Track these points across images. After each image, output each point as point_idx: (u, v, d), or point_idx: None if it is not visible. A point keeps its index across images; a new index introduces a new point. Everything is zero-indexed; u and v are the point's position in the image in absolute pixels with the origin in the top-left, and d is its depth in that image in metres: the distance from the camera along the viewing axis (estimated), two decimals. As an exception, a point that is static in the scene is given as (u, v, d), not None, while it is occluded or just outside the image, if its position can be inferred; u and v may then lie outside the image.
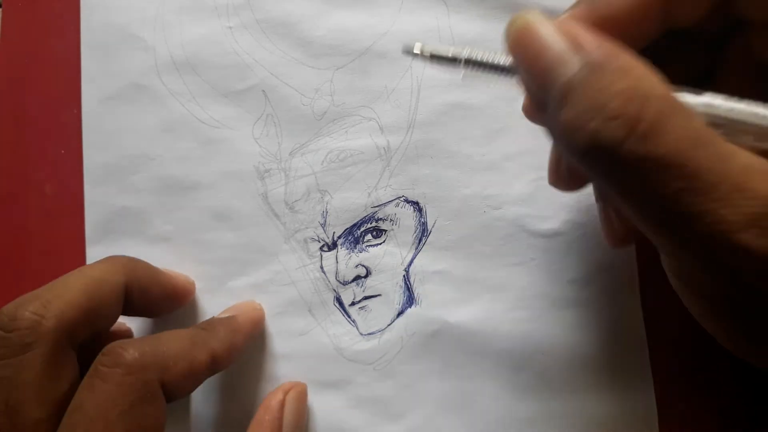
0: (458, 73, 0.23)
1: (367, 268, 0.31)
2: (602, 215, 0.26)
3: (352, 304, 0.31)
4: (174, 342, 0.24)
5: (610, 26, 0.21)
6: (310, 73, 0.32)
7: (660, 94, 0.18)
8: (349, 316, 0.31)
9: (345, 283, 0.31)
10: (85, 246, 0.32)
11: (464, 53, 0.22)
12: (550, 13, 0.33)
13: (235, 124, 0.32)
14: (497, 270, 0.30)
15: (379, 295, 0.31)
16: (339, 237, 0.31)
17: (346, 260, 0.31)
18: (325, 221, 0.31)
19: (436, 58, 0.23)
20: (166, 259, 0.31)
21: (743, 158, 0.17)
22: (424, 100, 0.32)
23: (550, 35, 0.19)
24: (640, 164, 0.17)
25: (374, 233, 0.31)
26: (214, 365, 0.25)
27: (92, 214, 0.32)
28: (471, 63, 0.22)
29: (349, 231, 0.31)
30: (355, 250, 0.31)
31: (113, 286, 0.26)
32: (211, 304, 0.31)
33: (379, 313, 0.31)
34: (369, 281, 0.31)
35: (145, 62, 0.33)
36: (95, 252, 0.32)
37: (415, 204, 0.31)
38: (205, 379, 0.26)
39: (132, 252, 0.31)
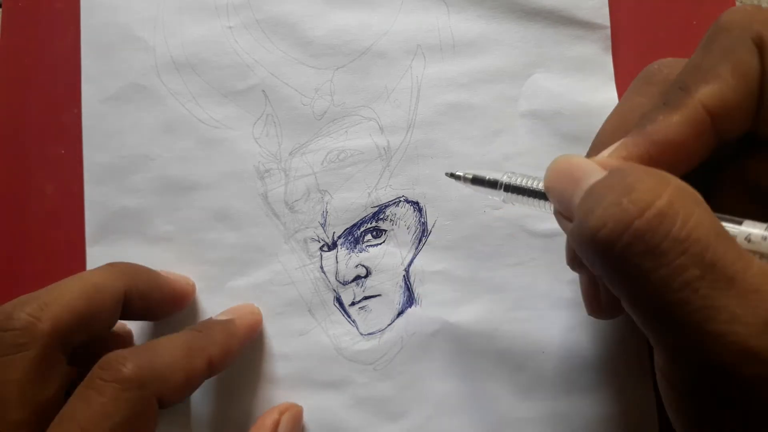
0: (499, 196, 0.24)
1: (367, 268, 0.31)
2: (584, 285, 0.25)
3: (352, 304, 0.31)
4: (171, 352, 0.24)
5: (664, 152, 0.21)
6: (310, 73, 0.32)
7: (680, 185, 0.17)
8: (349, 316, 0.31)
9: (345, 283, 0.31)
10: (85, 246, 0.32)
11: (503, 178, 0.24)
12: (550, 14, 0.33)
13: (235, 124, 0.32)
14: (497, 270, 0.30)
15: (379, 295, 0.31)
16: (339, 237, 0.31)
17: (346, 260, 0.31)
18: (325, 221, 0.31)
19: (478, 181, 0.25)
20: (166, 259, 0.31)
21: (762, 264, 0.17)
22: (424, 100, 0.32)
23: (584, 162, 0.20)
24: (656, 243, 0.17)
25: (374, 233, 0.31)
26: (210, 371, 0.25)
27: (92, 214, 0.32)
28: (510, 188, 0.24)
29: (349, 231, 0.31)
30: (355, 250, 0.31)
31: (112, 292, 0.26)
32: (211, 304, 0.31)
33: (379, 313, 0.31)
34: (369, 281, 0.31)
35: (145, 62, 0.33)
36: (95, 252, 0.32)
37: (415, 204, 0.31)
38: (200, 384, 0.25)
39: (132, 252, 0.32)
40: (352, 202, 0.31)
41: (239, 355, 0.28)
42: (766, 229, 0.18)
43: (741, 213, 0.20)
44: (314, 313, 0.31)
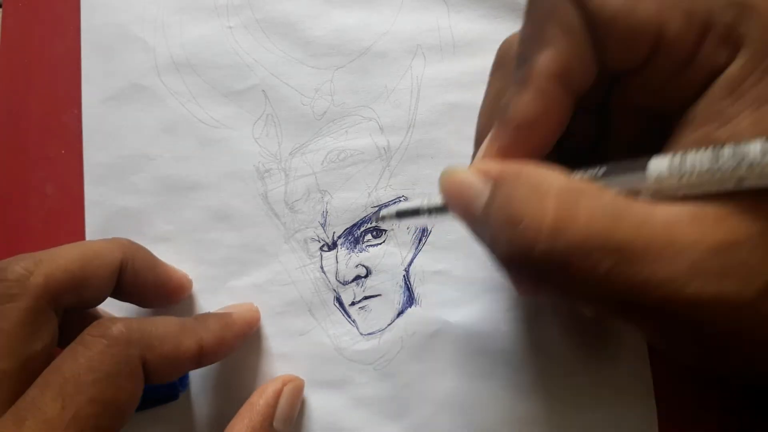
0: (427, 222, 0.25)
1: (367, 268, 0.31)
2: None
3: (352, 304, 0.31)
4: (163, 324, 0.25)
5: (530, 132, 0.21)
6: (310, 73, 0.32)
7: (559, 187, 0.18)
8: (349, 316, 0.31)
9: (345, 283, 0.31)
10: (85, 246, 0.32)
11: (424, 203, 0.24)
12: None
13: (235, 124, 0.32)
14: (497, 270, 0.30)
15: (379, 295, 0.31)
16: (339, 237, 0.31)
17: (346, 260, 0.31)
18: (325, 221, 0.31)
19: (402, 215, 0.25)
20: (166, 259, 0.31)
21: (662, 214, 0.18)
22: (424, 100, 0.32)
23: (467, 177, 0.21)
24: (562, 258, 0.18)
25: (374, 233, 0.31)
26: (200, 356, 0.25)
27: (92, 214, 0.32)
28: (432, 210, 0.24)
29: (349, 231, 0.31)
30: (355, 250, 0.31)
31: (108, 260, 0.26)
32: (211, 304, 0.31)
33: (379, 313, 0.31)
34: (369, 281, 0.31)
35: (145, 62, 0.33)
36: (95, 252, 0.32)
37: (415, 204, 0.31)
38: (189, 369, 0.26)
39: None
40: (352, 202, 0.31)
41: (234, 349, 0.28)
42: (669, 167, 0.18)
43: (642, 141, 0.20)
44: (314, 313, 0.31)
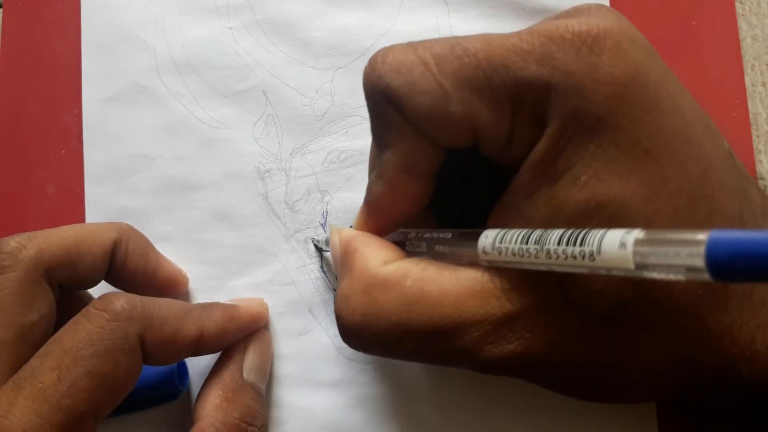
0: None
1: (367, 268, 0.31)
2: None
3: (353, 304, 0.31)
4: (167, 306, 0.25)
5: (385, 215, 0.25)
6: (310, 74, 0.32)
7: (367, 280, 0.23)
8: (350, 316, 0.31)
9: (345, 283, 0.31)
10: (85, 246, 0.32)
11: (320, 239, 0.31)
12: (551, 13, 0.33)
13: (235, 125, 0.32)
14: None
15: (379, 295, 0.31)
16: (339, 237, 0.31)
17: (346, 260, 0.31)
18: (326, 221, 0.31)
19: (318, 249, 0.31)
20: (166, 259, 0.31)
21: (454, 292, 0.22)
22: (425, 101, 0.32)
23: (335, 241, 0.27)
24: (376, 343, 0.23)
25: (374, 233, 0.31)
26: (200, 343, 0.25)
27: (92, 214, 0.32)
28: (318, 248, 0.31)
29: (350, 231, 0.31)
30: (356, 250, 0.31)
31: (103, 238, 0.27)
32: (211, 304, 0.31)
33: (379, 313, 0.30)
34: (369, 281, 0.31)
35: (145, 63, 0.33)
36: (95, 252, 0.32)
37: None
38: (187, 356, 0.26)
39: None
40: (352, 202, 0.31)
41: (235, 341, 0.28)
42: (492, 243, 0.21)
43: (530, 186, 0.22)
44: (314, 312, 0.31)
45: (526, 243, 0.19)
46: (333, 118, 0.32)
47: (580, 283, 0.20)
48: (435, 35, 0.32)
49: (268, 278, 0.31)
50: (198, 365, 0.30)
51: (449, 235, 0.23)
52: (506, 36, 0.21)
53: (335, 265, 0.27)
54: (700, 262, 0.14)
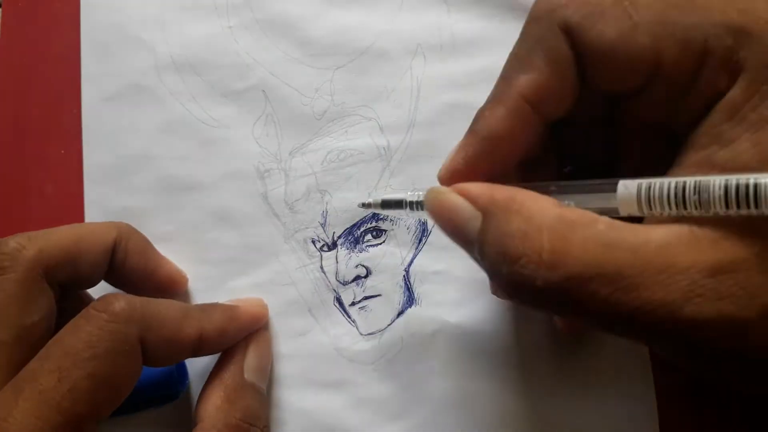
0: (406, 214, 0.26)
1: (367, 268, 0.31)
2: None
3: (352, 304, 0.31)
4: (166, 307, 0.25)
5: (496, 145, 0.23)
6: (310, 73, 0.32)
7: (552, 219, 0.19)
8: (349, 316, 0.31)
9: (345, 283, 0.31)
10: (85, 246, 0.32)
11: (407, 196, 0.25)
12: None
13: (235, 124, 0.32)
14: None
15: (379, 295, 0.31)
16: (339, 237, 0.31)
17: (346, 260, 0.31)
18: (325, 221, 0.31)
19: (387, 204, 0.26)
20: (166, 259, 0.31)
21: (656, 238, 0.18)
22: (424, 100, 0.32)
23: (455, 202, 0.22)
24: (562, 289, 0.19)
25: (374, 233, 0.31)
26: (200, 344, 0.25)
27: (92, 214, 0.32)
28: (413, 205, 0.25)
29: (349, 231, 0.31)
30: (355, 250, 0.31)
31: (102, 237, 0.27)
32: (211, 304, 0.31)
33: (379, 313, 0.31)
34: (369, 281, 0.31)
35: (145, 62, 0.33)
36: (95, 252, 0.32)
37: (415, 204, 0.31)
38: (187, 357, 0.26)
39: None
40: (352, 202, 0.31)
41: (235, 341, 0.28)
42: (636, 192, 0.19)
43: (654, 157, 0.21)
44: (314, 313, 0.31)
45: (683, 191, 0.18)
46: (332, 118, 0.32)
47: None
48: (435, 35, 0.32)
49: (268, 278, 0.31)
50: (198, 366, 0.30)
51: (614, 185, 0.20)
52: None
53: (452, 227, 0.23)
54: None
